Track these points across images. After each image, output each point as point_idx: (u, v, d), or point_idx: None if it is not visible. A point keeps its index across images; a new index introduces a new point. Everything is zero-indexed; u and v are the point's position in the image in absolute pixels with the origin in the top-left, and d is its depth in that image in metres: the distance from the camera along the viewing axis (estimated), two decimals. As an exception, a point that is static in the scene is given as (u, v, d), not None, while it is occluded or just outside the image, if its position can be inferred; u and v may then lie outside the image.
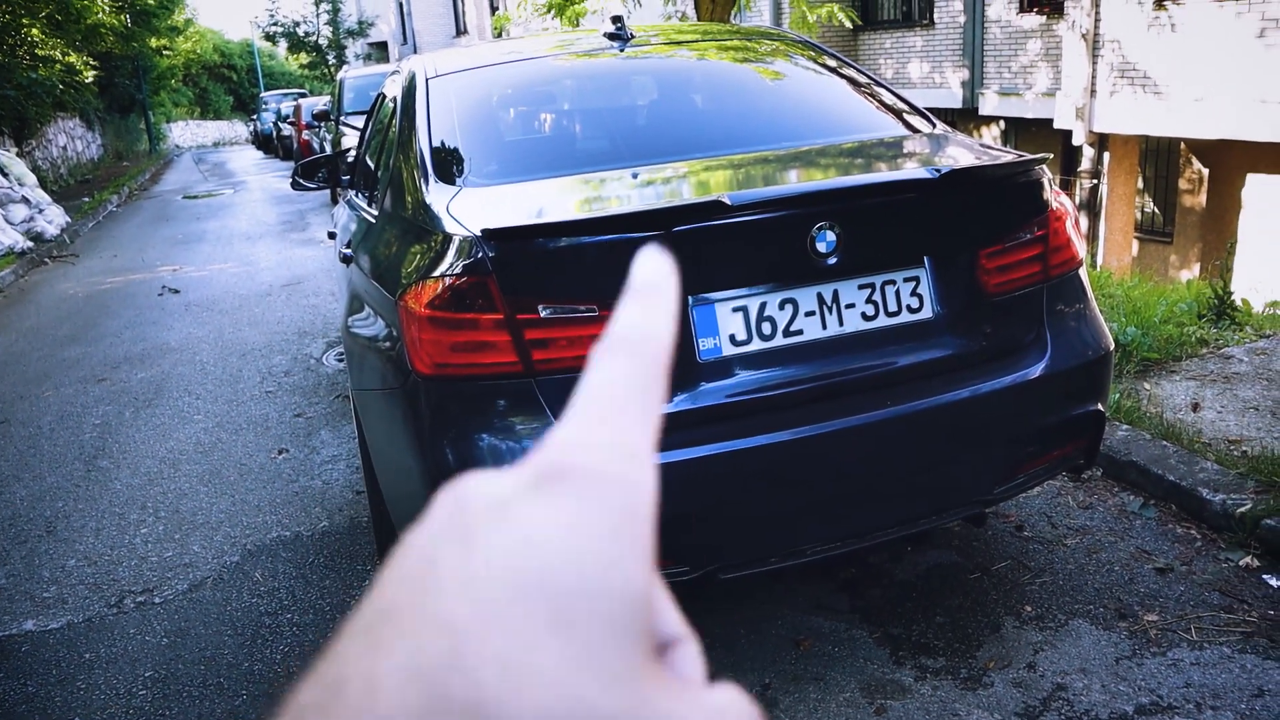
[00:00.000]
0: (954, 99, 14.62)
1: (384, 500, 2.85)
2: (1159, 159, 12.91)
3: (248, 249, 11.27)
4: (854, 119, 3.14)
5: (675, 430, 2.21)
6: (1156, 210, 13.19)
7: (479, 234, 2.18)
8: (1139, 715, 2.43)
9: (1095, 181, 12.28)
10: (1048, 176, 2.61)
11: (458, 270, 2.19)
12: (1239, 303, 5.36)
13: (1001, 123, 14.51)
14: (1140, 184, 13.01)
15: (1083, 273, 2.71)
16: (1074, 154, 12.67)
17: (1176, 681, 2.54)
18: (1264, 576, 2.98)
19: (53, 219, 13.32)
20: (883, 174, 2.61)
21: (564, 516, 0.26)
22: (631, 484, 0.28)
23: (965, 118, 14.85)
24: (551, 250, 2.16)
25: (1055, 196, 2.60)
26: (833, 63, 3.44)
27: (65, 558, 3.78)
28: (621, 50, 3.33)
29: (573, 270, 2.17)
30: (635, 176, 2.62)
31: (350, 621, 0.28)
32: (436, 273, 2.25)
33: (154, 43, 30.16)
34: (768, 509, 2.30)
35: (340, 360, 6.08)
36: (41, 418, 5.55)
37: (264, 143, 32.55)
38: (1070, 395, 2.59)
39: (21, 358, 7.04)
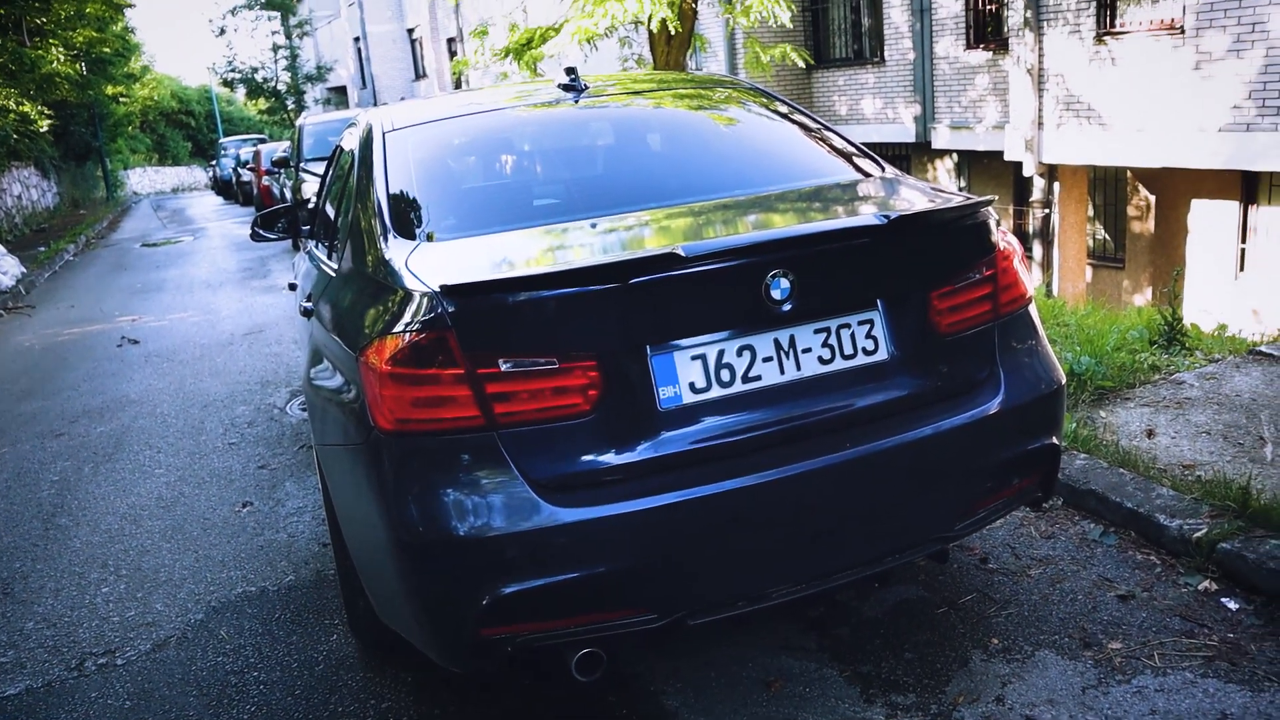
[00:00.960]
0: (907, 134, 14.89)
1: (350, 554, 2.83)
2: (1107, 187, 13.22)
3: (208, 297, 11.18)
4: (805, 165, 3.20)
5: (638, 478, 2.23)
6: (1108, 237, 13.47)
7: (438, 289, 2.20)
8: (1105, 744, 2.46)
9: (1047, 211, 12.54)
10: (994, 218, 2.68)
11: (417, 326, 2.21)
12: (1189, 327, 5.48)
13: (954, 155, 14.79)
14: (1091, 212, 13.30)
15: (1032, 309, 2.77)
16: (1025, 184, 12.94)
17: (1142, 709, 2.58)
18: (1222, 600, 3.03)
19: (8, 269, 13.16)
20: (834, 221, 2.66)
21: None
22: None
23: (919, 151, 15.12)
24: (511, 304, 2.18)
25: (1003, 236, 2.67)
26: (784, 109, 3.51)
27: (23, 620, 3.71)
28: (576, 101, 3.37)
29: (532, 323, 2.20)
30: (594, 227, 2.66)
31: None
32: (396, 329, 2.26)
33: (110, 90, 30.03)
34: (733, 554, 2.32)
35: (303, 409, 6.04)
36: (-2, 477, 5.46)
37: (223, 188, 32.40)
38: (1025, 430, 2.64)
39: (-24, 415, 6.92)
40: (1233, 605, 3.00)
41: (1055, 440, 2.70)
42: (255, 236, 4.68)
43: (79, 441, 5.97)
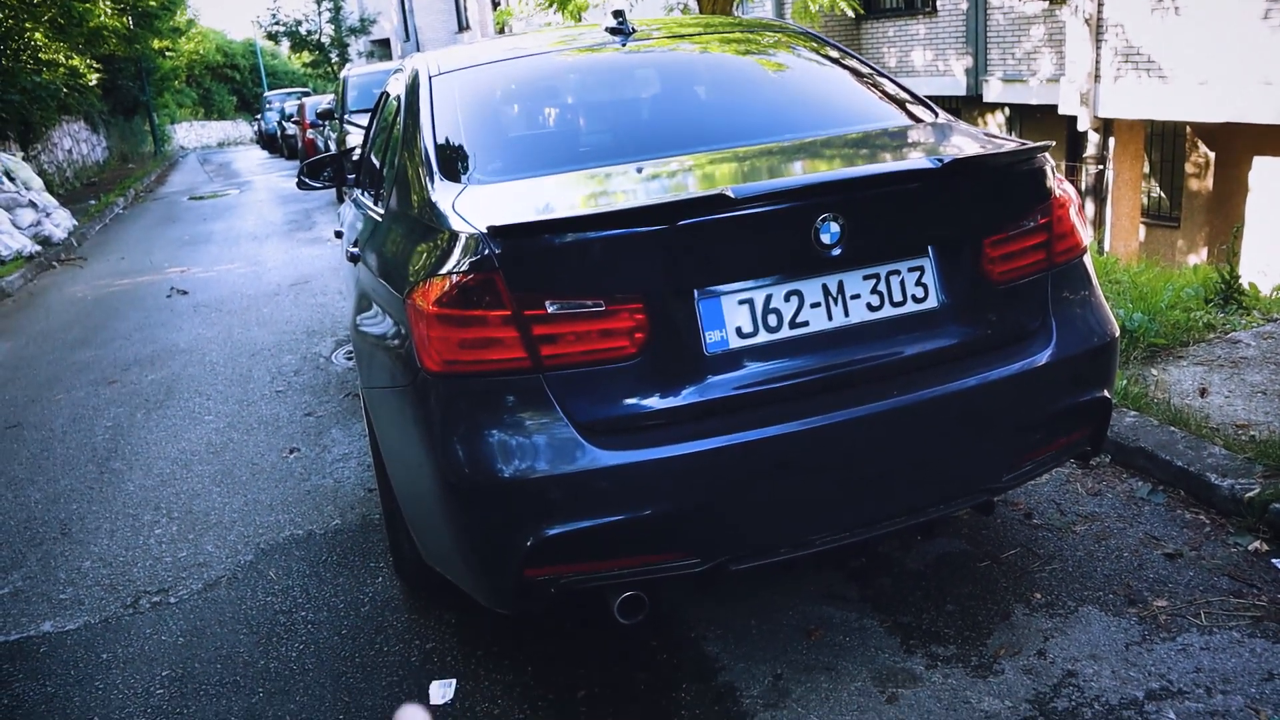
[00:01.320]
0: (958, 86, 14.58)
1: (395, 497, 2.87)
2: (1164, 143, 12.87)
3: (255, 249, 11.30)
4: (857, 110, 3.14)
5: (683, 423, 2.22)
6: (1163, 195, 13.14)
7: (485, 231, 2.20)
8: (1149, 700, 2.44)
9: (1101, 167, 12.25)
10: (1050, 164, 2.61)
11: (464, 267, 2.21)
12: (1246, 287, 5.34)
13: (1006, 109, 14.48)
14: (1146, 169, 12.97)
15: (1087, 260, 2.71)
16: (1079, 140, 12.65)
17: (1186, 666, 2.55)
18: (1273, 560, 2.98)
19: (60, 222, 13.38)
20: (886, 164, 2.61)
21: None
22: None
23: (969, 105, 14.82)
24: (557, 246, 2.17)
25: (1059, 184, 2.61)
26: (835, 54, 3.44)
27: (80, 559, 3.81)
28: (623, 45, 3.33)
29: (579, 265, 2.19)
30: (640, 171, 2.63)
31: None
32: (443, 270, 2.26)
33: (156, 44, 30.23)
34: (777, 500, 2.32)
35: (349, 359, 6.10)
36: (53, 421, 5.59)
37: (269, 142, 32.60)
38: (1076, 382, 2.59)
39: (32, 362, 7.08)
40: (1284, 565, 2.95)
41: (1107, 393, 2.66)
42: (301, 185, 4.70)
43: (131, 389, 6.09)
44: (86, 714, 2.84)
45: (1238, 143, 11.43)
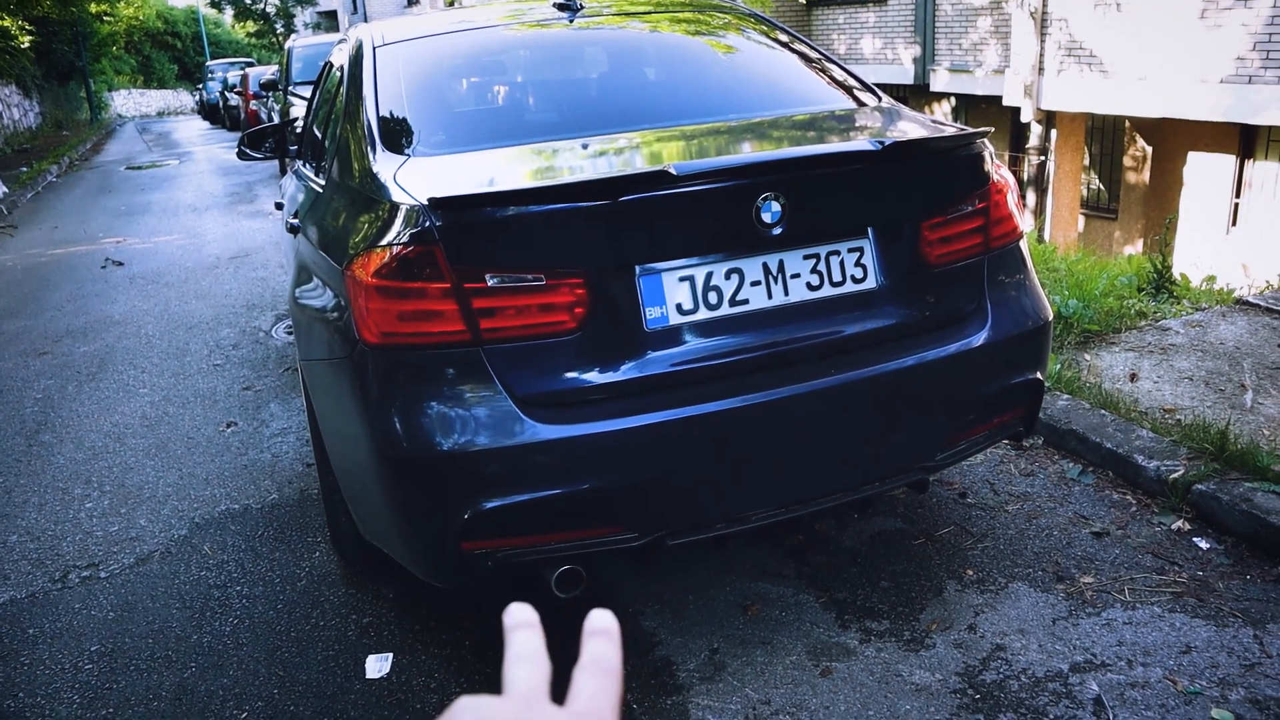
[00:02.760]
0: (906, 75, 14.73)
1: (333, 472, 2.84)
2: (1105, 136, 13.13)
3: (194, 221, 11.07)
4: (802, 92, 3.16)
5: (622, 398, 2.23)
6: (1102, 187, 13.42)
7: (425, 203, 2.18)
8: (1073, 673, 2.51)
9: (1043, 158, 12.47)
10: (989, 150, 2.65)
11: (404, 239, 2.19)
12: (1178, 277, 5.49)
13: (952, 99, 14.66)
14: (1086, 161, 13.23)
15: (1023, 244, 2.76)
16: (1022, 131, 12.85)
17: (1110, 640, 2.63)
18: (1194, 539, 3.08)
19: (-10, 189, 12.96)
20: (828, 145, 2.64)
21: None
22: None
23: (917, 94, 14.97)
24: (499, 219, 2.16)
25: (997, 170, 2.65)
26: (784, 37, 3.46)
27: (7, 533, 3.72)
28: (571, 21, 3.32)
29: (520, 239, 2.18)
30: (585, 147, 2.63)
31: None
32: (383, 242, 2.24)
33: (94, 8, 29.35)
34: (714, 476, 2.34)
35: (289, 333, 6.01)
36: (-19, 392, 5.44)
37: (210, 112, 31.89)
38: (1010, 364, 2.65)
39: (-41, 331, 6.88)
40: (1204, 545, 3.05)
41: (1039, 375, 2.72)
42: (242, 155, 4.61)
43: (62, 360, 5.94)
44: (11, 689, 2.78)
45: (1174, 138, 11.70)
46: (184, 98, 48.88)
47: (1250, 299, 5.04)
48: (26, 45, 22.18)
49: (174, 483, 4.06)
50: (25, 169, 16.83)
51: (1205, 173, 11.48)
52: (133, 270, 8.52)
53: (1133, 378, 4.13)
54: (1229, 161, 11.20)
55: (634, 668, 2.66)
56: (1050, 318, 2.75)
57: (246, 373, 5.42)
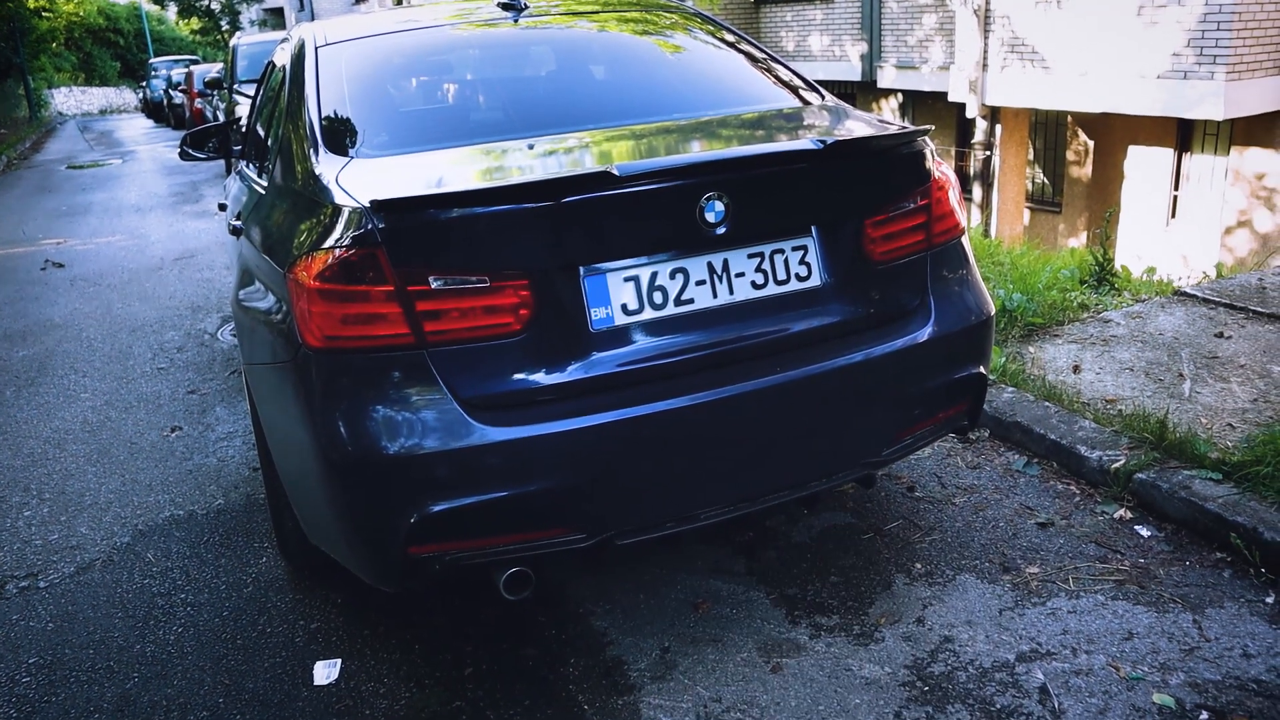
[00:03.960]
0: (854, 72, 14.86)
1: (279, 476, 2.80)
2: (1048, 131, 13.36)
3: (138, 221, 10.86)
4: (748, 91, 3.17)
5: (568, 399, 2.22)
6: (1046, 180, 13.65)
7: (368, 205, 2.15)
8: (1020, 662, 2.55)
9: (988, 153, 12.66)
10: (930, 148, 2.68)
11: (347, 242, 2.16)
12: (1119, 269, 5.60)
13: (899, 95, 14.82)
14: (1030, 155, 13.45)
15: (965, 241, 2.80)
16: (968, 126, 13.03)
17: (1055, 629, 2.67)
18: (1136, 527, 3.14)
19: (-77, 191, 12.62)
20: (769, 145, 2.65)
21: None
22: None
23: (865, 90, 15.12)
24: (442, 221, 2.14)
25: (938, 166, 2.68)
26: (730, 37, 3.47)
27: (-58, 544, 3.63)
28: (516, 20, 3.30)
29: (464, 241, 2.16)
30: (530, 147, 2.61)
31: None
32: (326, 244, 2.21)
33: (32, 3, 28.67)
34: (661, 475, 2.34)
35: (235, 335, 5.92)
36: (-86, 399, 5.29)
37: (154, 111, 31.33)
38: (954, 358, 2.68)
39: (-109, 337, 6.68)
40: (1145, 533, 3.11)
41: (983, 369, 2.75)
42: (184, 155, 4.53)
43: (0, 365, 5.80)
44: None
45: (1115, 132, 11.94)
46: (127, 96, 47.93)
47: (1188, 290, 5.15)
48: (-40, 42, 21.60)
49: (116, 489, 3.98)
50: (-40, 169, 16.39)
51: (1145, 166, 11.73)
52: (74, 272, 8.34)
53: (1075, 369, 4.20)
54: (1168, 155, 11.46)
55: (585, 668, 2.65)
56: (992, 312, 2.79)
57: (191, 376, 5.33)
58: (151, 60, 37.01)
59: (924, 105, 14.51)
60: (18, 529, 3.70)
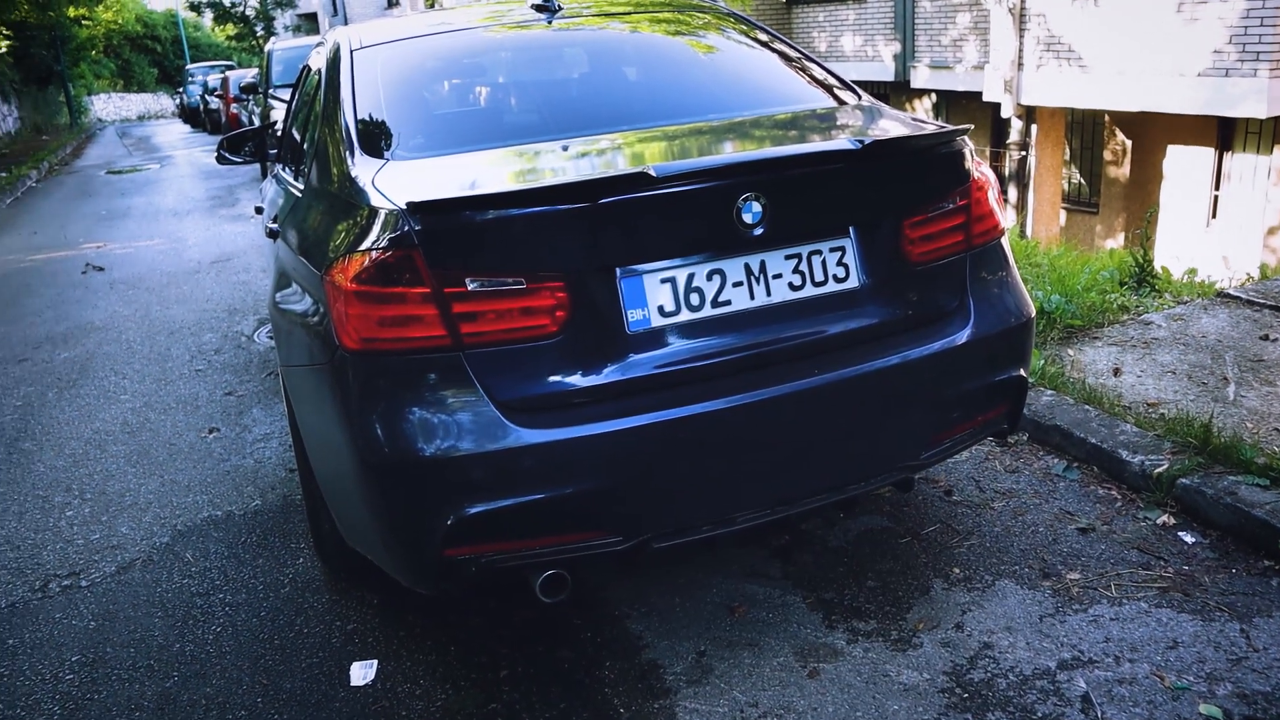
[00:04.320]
0: (886, 72, 14.76)
1: (316, 478, 2.82)
2: (1085, 131, 13.20)
3: (175, 225, 10.99)
4: (782, 91, 3.16)
5: (604, 401, 2.22)
6: (1083, 181, 13.49)
7: (404, 207, 2.16)
8: (1061, 670, 2.51)
9: (1023, 153, 12.52)
10: (969, 147, 2.65)
11: (383, 244, 2.17)
12: (1159, 270, 5.51)
13: (933, 95, 14.71)
14: (1067, 155, 13.29)
15: (1005, 241, 2.76)
16: (1003, 126, 12.89)
17: (1097, 636, 2.63)
18: (1179, 533, 3.08)
19: (-33, 195, 12.85)
20: (807, 145, 2.63)
21: None
22: None
23: (898, 91, 15.01)
24: (478, 223, 2.14)
25: (977, 167, 2.65)
26: (763, 37, 3.45)
27: (-14, 543, 3.68)
28: (550, 22, 3.30)
29: (500, 243, 2.16)
30: (565, 149, 2.61)
31: None
32: (362, 247, 2.22)
33: (72, 12, 29.10)
34: (698, 478, 2.33)
35: (271, 337, 5.97)
36: (-41, 401, 5.38)
37: (191, 116, 31.74)
38: (993, 361, 2.65)
39: (-63, 339, 6.81)
40: (1189, 539, 3.05)
41: (1023, 372, 2.72)
42: (221, 159, 4.58)
43: (43, 367, 5.89)
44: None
45: (1154, 131, 11.77)
46: (164, 101, 48.61)
47: (1231, 291, 5.06)
48: (4, 50, 21.99)
49: (156, 489, 4.02)
50: (4, 174, 16.69)
51: (1185, 165, 11.56)
52: (113, 275, 8.46)
53: (1116, 372, 4.14)
54: (1208, 154, 11.28)
55: (620, 671, 2.64)
56: (1033, 314, 2.75)
57: (229, 378, 5.38)
58: (188, 66, 37.51)
59: (958, 105, 14.38)
60: (60, 528, 3.75)
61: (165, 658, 2.88)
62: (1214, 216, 11.36)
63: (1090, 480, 3.46)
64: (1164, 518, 3.17)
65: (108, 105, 45.01)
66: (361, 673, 2.73)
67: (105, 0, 38.45)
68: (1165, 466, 3.27)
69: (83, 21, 32.93)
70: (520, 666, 2.70)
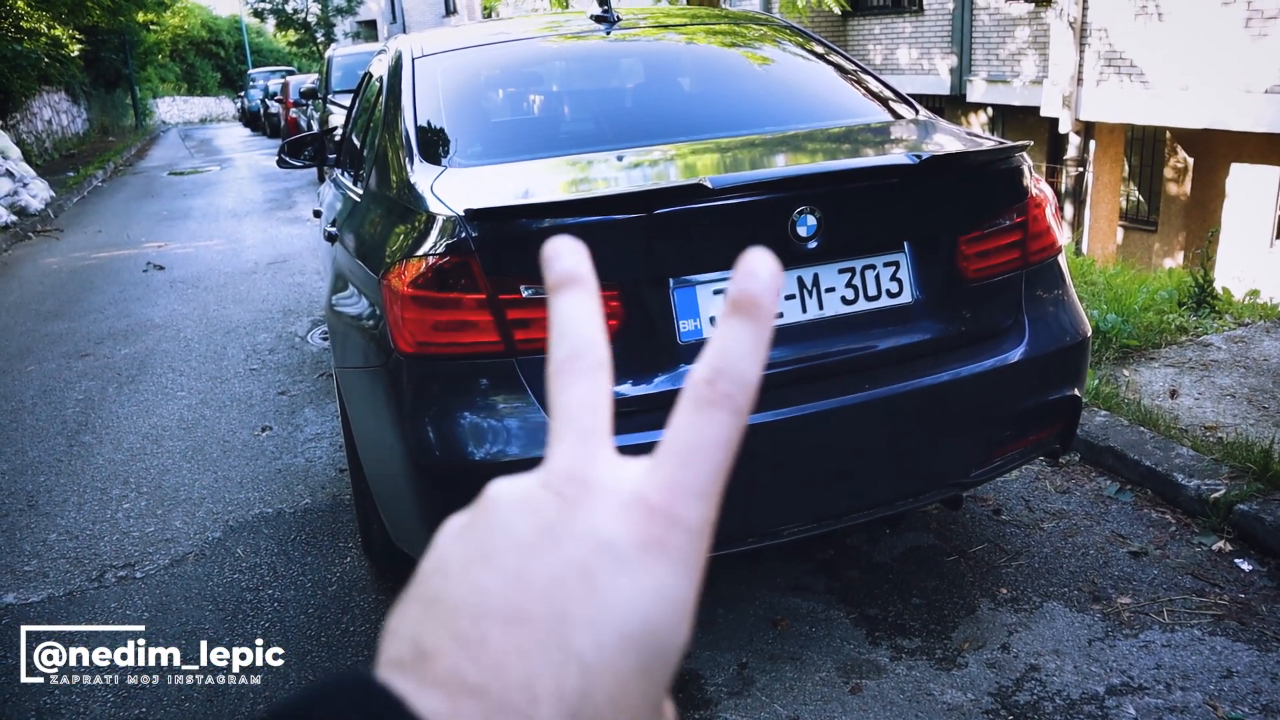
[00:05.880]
0: (942, 85, 14.64)
1: (366, 478, 2.86)
2: (1144, 148, 12.97)
3: (234, 226, 11.21)
4: (838, 104, 3.15)
5: (655, 411, 2.23)
6: (1141, 199, 13.25)
7: (462, 214, 2.19)
8: (1110, 696, 2.47)
9: (1081, 169, 12.33)
10: (1028, 164, 2.63)
11: (441, 250, 2.20)
12: (1219, 291, 5.40)
13: (989, 110, 14.54)
14: (1125, 172, 13.07)
15: (1062, 259, 2.73)
16: (1060, 142, 12.72)
17: (1148, 663, 2.58)
18: (1236, 561, 3.02)
19: (37, 193, 13.22)
20: (863, 159, 2.62)
21: (666, 583, 0.33)
22: (706, 542, 0.35)
23: (953, 104, 14.87)
24: (534, 231, 2.17)
25: (1036, 183, 2.62)
26: (820, 49, 3.45)
27: (46, 532, 3.78)
28: (608, 33, 3.33)
29: None
30: (620, 159, 2.63)
31: (447, 571, 0.33)
32: (420, 252, 2.25)
33: (141, 17, 29.86)
34: (746, 490, 2.31)
35: (325, 339, 6.07)
36: (24, 392, 5.53)
37: (251, 120, 32.34)
38: (1047, 380, 2.62)
39: (4, 332, 7.00)
40: (1246, 566, 2.99)
41: (1077, 392, 2.68)
42: (281, 163, 4.67)
43: (104, 362, 6.03)
44: (47, 686, 2.82)
45: (1216, 149, 11.53)
46: (226, 105, 49.62)
47: (1295, 315, 4.94)
48: (76, 53, 22.60)
49: (209, 485, 4.11)
50: (72, 173, 17.14)
51: (1248, 184, 11.30)
52: (173, 274, 8.64)
53: (1173, 394, 4.06)
54: (1273, 173, 11.02)
55: (663, 680, 2.64)
56: (1089, 333, 2.71)
57: (282, 377, 5.48)
58: (250, 71, 38.26)
59: (1014, 120, 14.21)
60: (117, 520, 3.84)
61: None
62: (1278, 237, 11.10)
63: (1144, 503, 3.40)
64: (1220, 544, 3.10)
65: (171, 108, 46.03)
66: (406, 672, 2.75)
67: (173, 6, 39.40)
68: (1222, 491, 3.20)
69: (151, 26, 33.77)
70: (563, 672, 2.71)
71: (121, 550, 3.60)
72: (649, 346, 2.23)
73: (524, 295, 2.17)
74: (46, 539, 3.72)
